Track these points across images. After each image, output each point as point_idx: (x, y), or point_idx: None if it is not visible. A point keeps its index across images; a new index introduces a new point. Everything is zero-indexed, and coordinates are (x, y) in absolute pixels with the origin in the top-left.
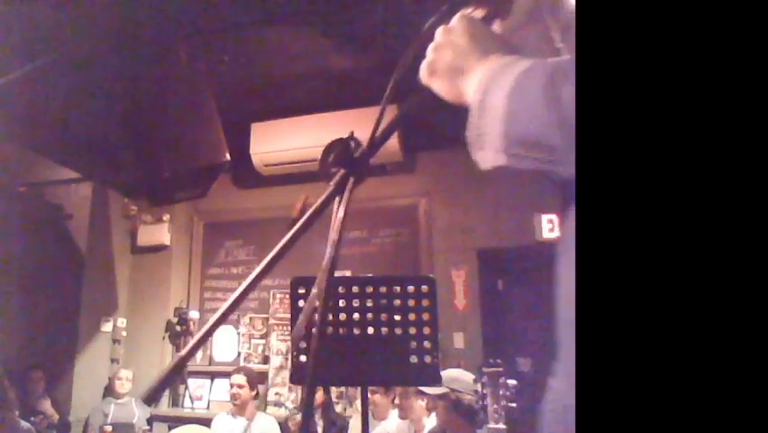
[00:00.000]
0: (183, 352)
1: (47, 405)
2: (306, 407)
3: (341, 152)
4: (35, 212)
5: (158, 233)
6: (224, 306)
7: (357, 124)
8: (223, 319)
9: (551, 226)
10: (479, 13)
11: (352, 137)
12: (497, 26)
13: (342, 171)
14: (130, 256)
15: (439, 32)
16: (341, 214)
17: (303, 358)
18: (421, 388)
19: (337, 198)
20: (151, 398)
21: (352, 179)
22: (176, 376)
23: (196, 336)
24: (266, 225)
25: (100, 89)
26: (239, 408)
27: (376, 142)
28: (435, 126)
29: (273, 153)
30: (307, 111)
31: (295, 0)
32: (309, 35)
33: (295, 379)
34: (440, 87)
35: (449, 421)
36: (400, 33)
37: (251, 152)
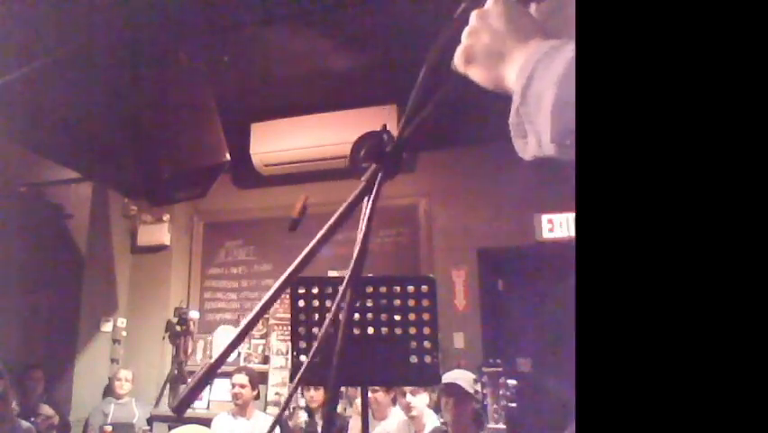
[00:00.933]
0: (213, 360)
1: (46, 408)
2: (329, 409)
3: (373, 145)
4: (35, 212)
5: (158, 233)
6: (251, 314)
7: (357, 124)
8: (254, 323)
9: (551, 226)
10: None
11: (384, 130)
12: (532, 10)
13: (373, 166)
14: (130, 256)
15: (473, 15)
16: (369, 210)
17: (303, 358)
18: (409, 399)
19: (370, 205)
20: (183, 408)
21: (380, 174)
22: (206, 383)
23: (226, 346)
24: (266, 225)
25: (100, 89)
26: (240, 408)
27: (407, 136)
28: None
29: (273, 153)
30: (307, 111)
31: (295, 0)
32: (309, 35)
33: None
34: (478, 74)
35: (458, 416)
36: (400, 33)
37: (251, 151)
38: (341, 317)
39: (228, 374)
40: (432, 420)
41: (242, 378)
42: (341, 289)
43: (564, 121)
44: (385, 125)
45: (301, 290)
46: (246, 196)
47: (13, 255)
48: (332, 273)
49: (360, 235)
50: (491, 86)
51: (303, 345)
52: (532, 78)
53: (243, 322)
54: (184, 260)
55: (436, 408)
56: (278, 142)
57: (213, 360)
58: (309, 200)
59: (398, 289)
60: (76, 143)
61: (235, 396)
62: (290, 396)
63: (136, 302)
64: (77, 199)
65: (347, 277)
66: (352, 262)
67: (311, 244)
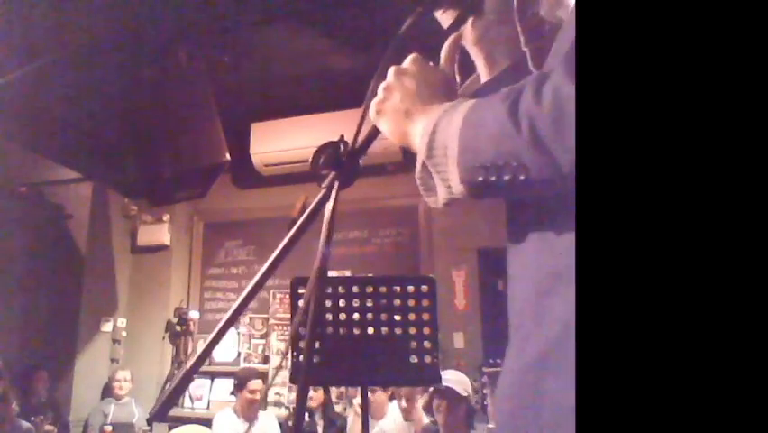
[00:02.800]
0: (187, 366)
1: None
2: (299, 406)
3: (330, 154)
4: (35, 212)
5: (158, 233)
6: (227, 315)
7: (357, 124)
8: (226, 328)
9: None
10: (449, 16)
11: (342, 140)
12: (470, 27)
13: (332, 174)
14: (130, 256)
15: (391, 72)
16: (327, 216)
17: (302, 358)
18: (404, 404)
19: (330, 212)
20: (159, 416)
21: (337, 182)
22: (181, 392)
23: (200, 350)
24: (266, 225)
25: (100, 89)
26: (250, 410)
27: (361, 145)
28: None
29: (273, 153)
30: (307, 111)
31: (295, 0)
32: (309, 35)
33: (295, 379)
34: (386, 126)
35: (450, 419)
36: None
37: (251, 151)
38: (342, 317)
39: (229, 374)
40: (427, 419)
41: (258, 384)
42: (304, 292)
43: (468, 163)
44: (342, 136)
45: (301, 291)
46: (246, 196)
47: (13, 255)
48: (331, 274)
49: (321, 239)
50: (396, 139)
51: (303, 345)
52: (435, 133)
53: (213, 333)
54: (184, 260)
55: (428, 408)
56: (278, 142)
57: (190, 365)
58: (309, 200)
59: (398, 289)
60: (76, 143)
61: (251, 402)
62: (303, 399)
63: (136, 302)
64: (77, 199)
65: (310, 282)
66: (315, 264)
67: (274, 254)
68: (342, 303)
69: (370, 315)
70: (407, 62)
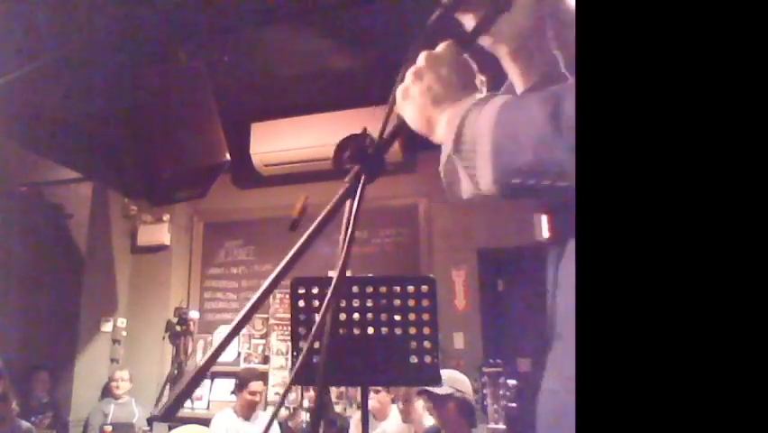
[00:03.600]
0: (201, 364)
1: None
2: (318, 407)
3: (355, 147)
4: (35, 212)
5: (158, 233)
6: (240, 315)
7: (357, 124)
8: (240, 328)
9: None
10: (472, 18)
11: (365, 133)
12: (503, 37)
13: (356, 168)
14: (130, 256)
15: (422, 56)
16: (348, 213)
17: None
18: (427, 388)
19: (355, 206)
20: (169, 414)
21: (363, 177)
22: (193, 391)
23: (211, 351)
24: (266, 225)
25: (100, 89)
26: (250, 410)
27: (386, 139)
28: None
29: (273, 153)
30: (307, 111)
31: (295, 0)
32: (309, 35)
33: (294, 379)
34: (410, 112)
35: (450, 421)
36: (400, 33)
37: (251, 151)
38: (342, 317)
39: (229, 375)
40: (429, 421)
41: (260, 385)
42: (328, 291)
43: (503, 165)
44: (365, 129)
45: (301, 291)
46: (246, 196)
47: (13, 255)
48: (332, 274)
49: (342, 238)
50: (418, 126)
51: (303, 344)
52: (464, 127)
53: (230, 327)
54: (184, 260)
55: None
56: (278, 142)
57: (202, 364)
58: (309, 200)
59: (398, 289)
60: (76, 143)
61: (251, 403)
62: (285, 394)
63: (136, 302)
64: (77, 199)
65: (333, 281)
66: (338, 265)
67: (295, 247)
68: (342, 303)
69: (370, 315)
70: (441, 48)
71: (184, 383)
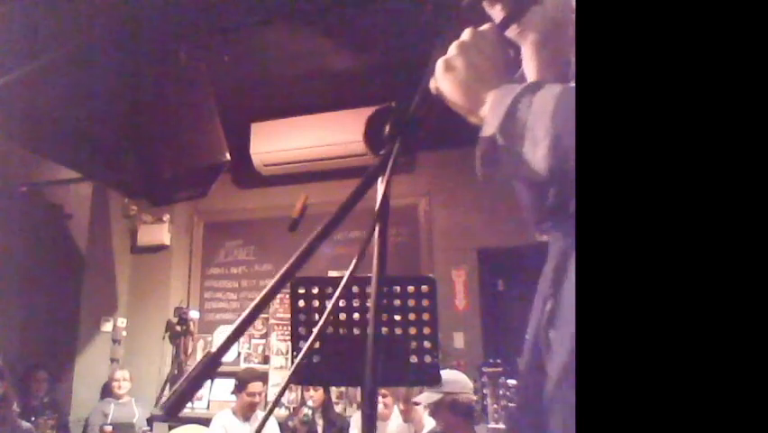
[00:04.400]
0: (212, 353)
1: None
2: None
3: (395, 118)
4: (35, 212)
5: (158, 233)
6: (255, 302)
7: (357, 124)
8: (254, 316)
9: None
10: (501, 9)
11: (398, 105)
12: (530, 27)
13: (393, 139)
14: (130, 256)
15: (468, 32)
16: (383, 189)
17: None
18: (415, 399)
19: (387, 177)
20: (173, 410)
21: (397, 147)
22: (199, 386)
23: (226, 337)
24: (266, 225)
25: (100, 89)
26: (249, 411)
27: (423, 111)
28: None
29: (273, 153)
30: (307, 111)
31: (295, 0)
32: (309, 35)
33: (294, 379)
34: (449, 87)
35: (448, 423)
36: (400, 33)
37: (251, 151)
38: (342, 317)
39: (229, 375)
40: (431, 421)
41: (259, 386)
42: (372, 290)
43: (561, 153)
44: (395, 102)
45: (301, 290)
46: (246, 196)
47: (13, 255)
48: (332, 273)
49: (375, 226)
50: (458, 100)
51: (303, 344)
52: (516, 110)
53: (240, 318)
54: (184, 260)
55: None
56: (278, 142)
57: (208, 358)
58: (309, 200)
59: (398, 289)
60: (76, 143)
61: (250, 404)
62: (280, 394)
63: (136, 302)
64: (77, 199)
65: (374, 275)
66: (375, 257)
67: (317, 231)
68: (341, 303)
69: (370, 315)
70: (486, 27)
71: (186, 381)
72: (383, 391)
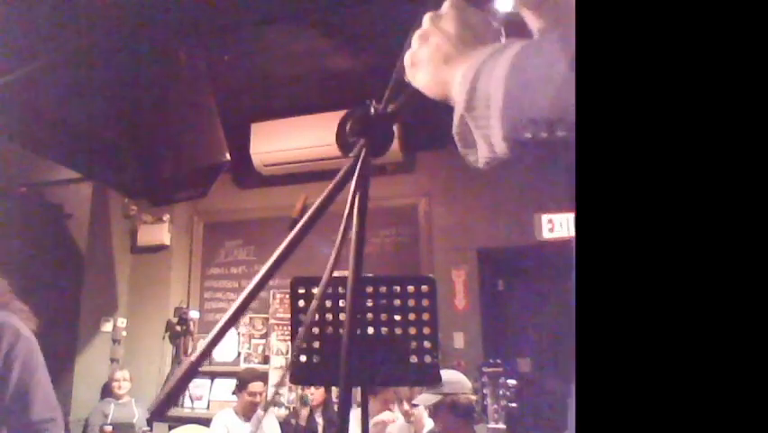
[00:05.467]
0: (187, 363)
1: None
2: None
3: (359, 116)
4: (35, 212)
5: (158, 233)
6: (235, 304)
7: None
8: (233, 321)
9: (551, 226)
10: None
11: (370, 103)
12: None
13: (362, 141)
14: (130, 256)
15: (426, 18)
16: (355, 191)
17: (303, 358)
18: (414, 401)
19: (355, 179)
20: (159, 412)
21: (365, 150)
22: (182, 389)
23: (201, 346)
24: (266, 225)
25: (100, 89)
26: (251, 411)
27: (394, 108)
28: (436, 125)
29: (273, 153)
30: (307, 111)
31: (295, 0)
32: (309, 35)
33: (294, 379)
34: (421, 80)
35: (448, 424)
36: (400, 33)
37: (251, 151)
38: (341, 317)
39: (229, 375)
40: (430, 422)
41: (260, 386)
42: (347, 289)
43: (513, 117)
44: (372, 100)
45: (301, 290)
46: (246, 196)
47: (13, 255)
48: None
49: (352, 227)
50: (433, 92)
51: (303, 345)
52: (477, 81)
53: (225, 317)
54: (184, 260)
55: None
56: (278, 142)
57: (192, 360)
58: (309, 200)
59: (398, 289)
60: (76, 143)
61: (252, 404)
62: (275, 393)
63: (136, 302)
64: (77, 199)
65: (350, 276)
66: (351, 258)
67: (294, 231)
68: (342, 303)
69: (370, 315)
70: (445, 6)
71: (174, 381)
72: (388, 396)
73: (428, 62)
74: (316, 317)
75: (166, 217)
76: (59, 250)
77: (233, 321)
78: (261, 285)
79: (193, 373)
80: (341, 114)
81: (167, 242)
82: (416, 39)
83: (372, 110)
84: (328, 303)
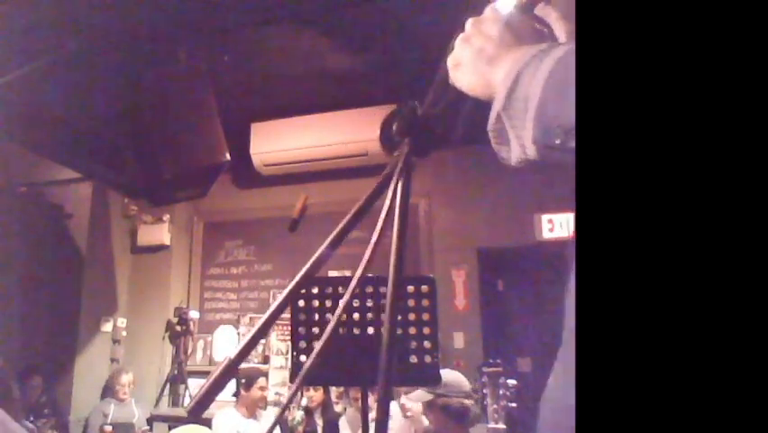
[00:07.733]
0: (226, 361)
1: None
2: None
3: (403, 118)
4: (35, 212)
5: (158, 233)
6: (279, 298)
7: (357, 124)
8: (273, 320)
9: (551, 226)
10: None
11: (413, 104)
12: (541, 10)
13: (406, 141)
14: (130, 256)
15: (468, 23)
16: (398, 192)
17: (303, 358)
18: (406, 397)
19: (397, 177)
20: (196, 412)
21: (408, 149)
22: (223, 383)
23: (248, 336)
24: (266, 225)
25: (100, 89)
26: (257, 408)
27: (438, 110)
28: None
29: (273, 153)
30: (307, 111)
31: (295, 0)
32: (309, 35)
33: (294, 379)
34: (464, 79)
35: (440, 423)
36: (400, 33)
37: (251, 151)
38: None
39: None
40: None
41: (265, 381)
42: (388, 287)
43: (546, 122)
44: (414, 101)
45: (301, 290)
46: (246, 196)
47: (13, 255)
48: (332, 273)
49: (396, 224)
50: (477, 92)
51: (303, 345)
52: (517, 82)
53: (257, 325)
54: (184, 260)
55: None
56: (278, 142)
57: (231, 358)
58: (309, 200)
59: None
60: (76, 143)
61: (262, 399)
62: (292, 396)
63: (136, 302)
64: (77, 199)
65: (391, 276)
66: (392, 257)
67: (342, 223)
68: (340, 303)
69: (370, 315)
70: (487, 11)
71: (212, 379)
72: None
73: (471, 64)
74: (316, 317)
75: (166, 217)
76: (59, 250)
77: (279, 311)
78: (307, 278)
79: (231, 372)
80: (340, 114)
81: (167, 242)
82: (458, 42)
83: (417, 111)
84: (328, 303)
